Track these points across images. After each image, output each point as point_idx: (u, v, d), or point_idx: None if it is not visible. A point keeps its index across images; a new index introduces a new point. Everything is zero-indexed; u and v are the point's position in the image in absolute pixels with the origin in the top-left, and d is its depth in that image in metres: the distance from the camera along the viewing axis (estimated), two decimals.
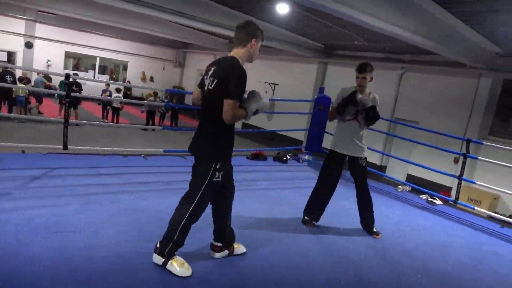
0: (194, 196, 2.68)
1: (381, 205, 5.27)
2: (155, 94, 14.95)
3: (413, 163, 7.57)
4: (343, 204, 4.77)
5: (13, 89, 11.39)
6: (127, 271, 2.62)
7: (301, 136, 12.87)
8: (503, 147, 6.04)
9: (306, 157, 7.44)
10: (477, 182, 6.05)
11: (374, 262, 3.46)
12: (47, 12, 15.23)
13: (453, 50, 7.72)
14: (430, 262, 3.64)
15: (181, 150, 6.66)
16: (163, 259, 2.71)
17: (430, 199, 5.89)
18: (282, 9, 8.29)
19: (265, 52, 15.46)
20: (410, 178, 10.12)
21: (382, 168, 11.38)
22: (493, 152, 7.69)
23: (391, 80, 11.27)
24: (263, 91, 15.85)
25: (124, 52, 20.68)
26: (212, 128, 2.66)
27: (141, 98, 18.78)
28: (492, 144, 6.81)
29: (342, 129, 3.98)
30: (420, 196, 6.03)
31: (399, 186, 6.43)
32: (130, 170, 5.10)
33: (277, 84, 15.58)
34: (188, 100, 21.06)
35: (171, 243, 2.70)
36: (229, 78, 2.52)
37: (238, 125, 17.78)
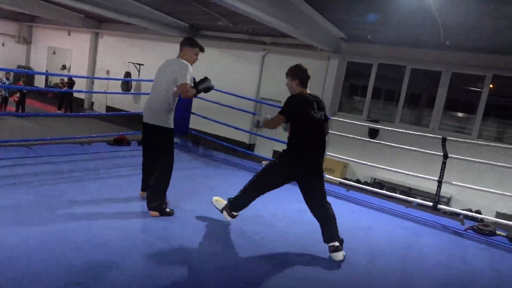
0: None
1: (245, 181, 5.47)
2: None
3: (274, 139, 7.99)
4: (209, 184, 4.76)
5: None
6: None
7: None
8: (347, 120, 6.87)
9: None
10: (328, 153, 6.77)
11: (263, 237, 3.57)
12: None
13: (305, 34, 8.39)
14: (287, 227, 4.04)
15: (26, 139, 5.74)
16: None
17: None
18: None
19: (128, 29, 14.43)
20: (276, 154, 10.85)
21: (251, 147, 11.93)
22: (342, 125, 8.74)
23: (255, 61, 11.76)
24: (126, 71, 14.83)
25: None
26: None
27: None
28: (338, 119, 7.70)
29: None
30: None
31: (263, 162, 6.77)
32: None
33: (143, 64, 14.76)
34: (38, 83, 18.41)
35: None
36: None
37: (102, 109, 16.37)
